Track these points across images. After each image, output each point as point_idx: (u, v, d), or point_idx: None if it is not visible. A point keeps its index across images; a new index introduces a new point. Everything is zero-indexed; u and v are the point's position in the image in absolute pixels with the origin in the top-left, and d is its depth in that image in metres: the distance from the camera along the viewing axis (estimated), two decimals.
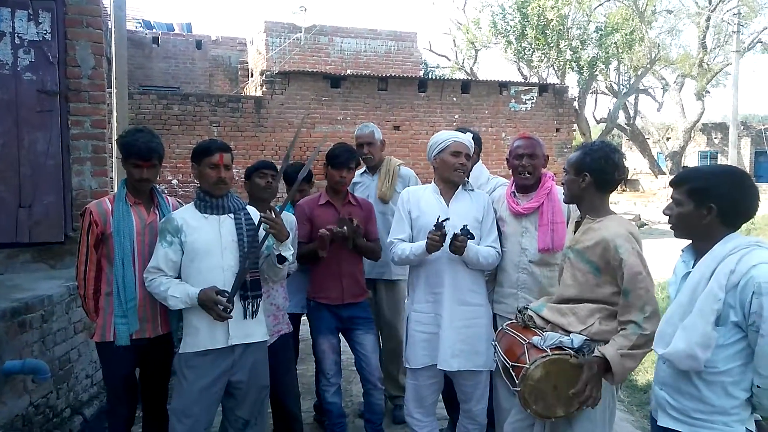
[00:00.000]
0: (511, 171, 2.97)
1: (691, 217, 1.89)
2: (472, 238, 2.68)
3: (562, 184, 2.46)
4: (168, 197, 2.89)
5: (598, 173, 2.28)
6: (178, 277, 2.59)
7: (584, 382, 2.13)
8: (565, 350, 2.21)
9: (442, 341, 2.78)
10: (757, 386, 1.78)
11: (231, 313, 2.51)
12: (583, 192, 2.33)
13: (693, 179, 1.90)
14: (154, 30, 18.64)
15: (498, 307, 2.99)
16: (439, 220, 2.65)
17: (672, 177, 2.01)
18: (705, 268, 1.83)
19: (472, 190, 2.99)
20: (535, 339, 2.27)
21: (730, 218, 1.86)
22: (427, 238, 2.67)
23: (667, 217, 1.98)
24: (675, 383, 1.92)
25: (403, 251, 2.84)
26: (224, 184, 2.62)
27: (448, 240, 2.68)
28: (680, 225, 1.94)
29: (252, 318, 2.65)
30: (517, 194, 2.93)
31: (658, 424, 1.98)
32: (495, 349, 2.49)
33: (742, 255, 1.78)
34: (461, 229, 2.65)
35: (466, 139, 2.90)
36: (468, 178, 3.05)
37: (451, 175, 2.87)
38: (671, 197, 1.97)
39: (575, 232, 2.39)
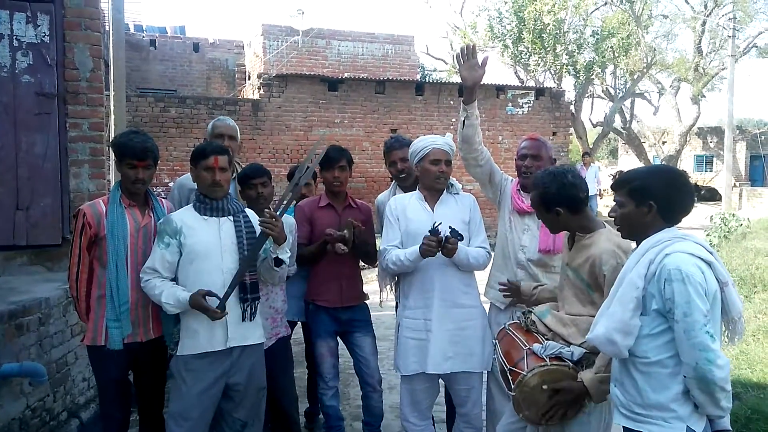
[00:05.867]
0: (516, 170, 2.98)
1: (633, 216, 1.97)
2: (462, 239, 2.68)
3: (540, 218, 2.48)
4: (162, 200, 2.88)
5: (568, 202, 2.31)
6: (175, 278, 2.59)
7: (552, 404, 2.17)
8: (564, 361, 2.23)
9: (432, 345, 2.77)
10: (684, 376, 1.81)
11: (227, 312, 2.51)
12: (563, 223, 2.37)
13: (632, 180, 1.98)
14: (145, 33, 18.59)
15: (490, 292, 3.01)
16: (435, 225, 2.63)
17: (612, 183, 2.08)
18: (631, 261, 1.94)
19: (457, 193, 2.98)
20: (536, 346, 2.28)
21: (668, 214, 1.93)
22: (423, 243, 2.65)
23: (613, 219, 2.05)
24: (620, 377, 1.97)
25: (397, 257, 2.80)
26: (219, 187, 2.61)
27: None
28: (624, 225, 2.01)
29: (250, 320, 2.65)
30: (522, 192, 2.94)
31: (613, 422, 2.03)
32: (495, 348, 2.51)
33: (663, 246, 1.86)
34: (450, 231, 2.64)
35: (446, 143, 2.88)
36: None
37: (433, 183, 2.87)
38: (614, 200, 2.04)
39: (570, 249, 2.41)
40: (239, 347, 2.63)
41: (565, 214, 2.32)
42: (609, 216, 2.07)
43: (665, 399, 1.84)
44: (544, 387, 2.18)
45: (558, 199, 2.31)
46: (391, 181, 3.50)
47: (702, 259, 1.82)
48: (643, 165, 21.70)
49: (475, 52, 2.81)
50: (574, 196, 2.31)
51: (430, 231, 2.63)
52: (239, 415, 2.68)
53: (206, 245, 2.57)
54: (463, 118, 2.85)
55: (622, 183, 2.00)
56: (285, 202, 2.70)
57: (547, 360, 2.22)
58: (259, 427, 2.78)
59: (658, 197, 1.92)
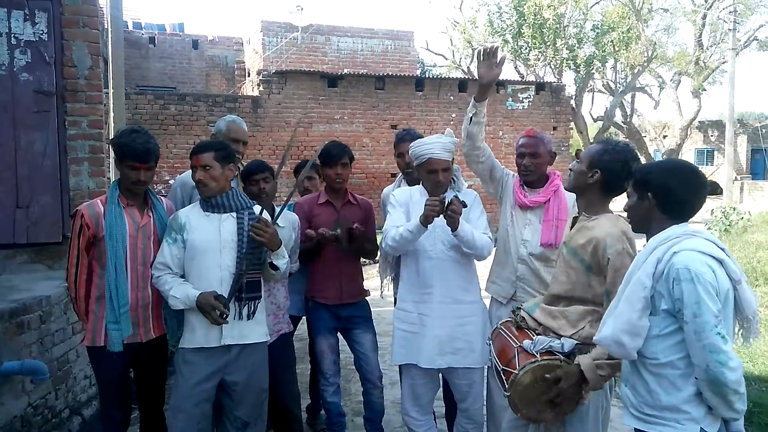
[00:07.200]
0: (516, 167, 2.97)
1: (636, 209, 1.96)
2: (465, 206, 2.64)
3: (570, 170, 2.40)
4: (162, 198, 2.85)
5: (609, 174, 2.24)
6: (184, 274, 2.60)
7: (556, 393, 2.14)
8: (556, 355, 2.21)
9: (427, 340, 2.76)
10: (695, 377, 1.76)
11: (226, 318, 2.51)
12: (588, 187, 2.30)
13: (638, 172, 1.98)
14: (144, 30, 18.57)
15: (491, 287, 2.99)
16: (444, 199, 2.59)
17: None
18: (639, 258, 1.88)
19: (459, 190, 2.95)
20: (526, 343, 2.26)
21: (669, 208, 1.88)
22: (426, 205, 2.58)
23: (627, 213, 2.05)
24: (631, 378, 1.93)
25: (396, 232, 2.72)
26: (202, 186, 2.58)
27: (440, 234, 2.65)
28: (630, 217, 2.02)
29: (248, 319, 2.62)
30: (525, 187, 2.93)
31: (622, 422, 1.99)
32: (490, 348, 2.49)
33: (672, 244, 1.81)
34: (453, 197, 2.58)
35: (443, 149, 2.76)
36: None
37: (431, 190, 2.81)
38: (627, 193, 2.05)
39: (571, 228, 2.39)
40: (238, 346, 2.61)
41: (597, 183, 2.26)
42: (624, 210, 2.06)
43: (677, 401, 1.79)
44: (547, 376, 2.15)
45: (607, 166, 2.23)
46: (392, 177, 3.49)
47: (713, 257, 1.76)
48: (644, 159, 21.72)
49: (496, 52, 2.79)
50: (620, 179, 2.22)
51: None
52: (240, 414, 2.67)
53: (205, 242, 2.57)
54: (470, 115, 2.83)
55: (631, 176, 2.01)
56: (280, 207, 2.70)
57: (538, 355, 2.20)
58: (261, 428, 2.77)
59: (655, 189, 1.88)
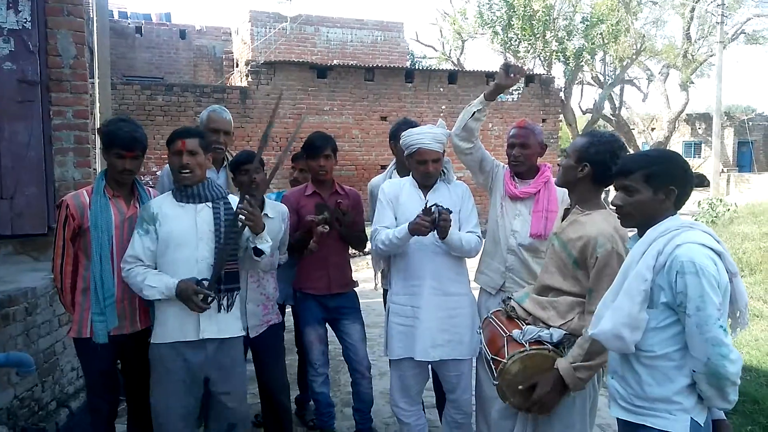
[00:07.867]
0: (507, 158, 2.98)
1: (650, 203, 1.85)
2: (451, 213, 2.65)
3: (559, 166, 2.39)
4: (149, 189, 2.80)
5: (598, 166, 2.22)
6: (156, 267, 2.52)
7: (537, 398, 2.15)
8: (544, 344, 2.22)
9: (420, 333, 2.77)
10: (693, 370, 1.76)
11: (209, 306, 2.44)
12: (578, 181, 2.28)
13: (646, 165, 1.85)
14: (130, 20, 18.33)
15: (480, 278, 3.01)
16: (427, 206, 2.60)
17: (617, 167, 1.97)
18: (636, 251, 1.85)
19: (450, 182, 2.96)
20: (515, 332, 2.26)
21: (683, 199, 1.87)
22: (415, 221, 2.60)
23: (616, 207, 1.94)
24: (621, 370, 1.91)
25: (386, 236, 2.77)
26: (187, 171, 2.49)
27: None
28: (638, 212, 1.88)
29: (226, 312, 2.55)
30: (516, 179, 2.94)
31: (610, 414, 1.98)
32: (480, 337, 2.51)
33: (672, 236, 1.78)
34: (438, 208, 2.59)
35: (434, 139, 2.78)
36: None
37: (420, 179, 2.86)
38: (620, 187, 1.91)
39: (563, 220, 2.39)
40: (215, 342, 2.53)
41: (587, 176, 2.23)
42: (613, 204, 1.97)
43: (670, 392, 1.78)
44: (519, 387, 2.16)
45: (595, 158, 2.21)
46: (382, 168, 3.48)
47: (713, 250, 1.75)
48: (633, 152, 21.86)
49: (519, 69, 2.80)
50: (609, 170, 2.16)
51: (423, 210, 2.59)
52: (225, 415, 2.59)
53: (181, 233, 2.48)
54: (474, 110, 2.83)
55: (633, 168, 1.87)
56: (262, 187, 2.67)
57: (527, 345, 2.21)
58: (245, 425, 2.73)
59: (678, 182, 1.83)
